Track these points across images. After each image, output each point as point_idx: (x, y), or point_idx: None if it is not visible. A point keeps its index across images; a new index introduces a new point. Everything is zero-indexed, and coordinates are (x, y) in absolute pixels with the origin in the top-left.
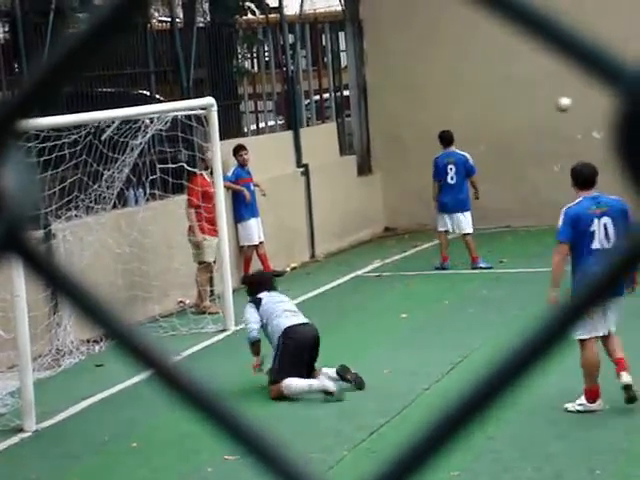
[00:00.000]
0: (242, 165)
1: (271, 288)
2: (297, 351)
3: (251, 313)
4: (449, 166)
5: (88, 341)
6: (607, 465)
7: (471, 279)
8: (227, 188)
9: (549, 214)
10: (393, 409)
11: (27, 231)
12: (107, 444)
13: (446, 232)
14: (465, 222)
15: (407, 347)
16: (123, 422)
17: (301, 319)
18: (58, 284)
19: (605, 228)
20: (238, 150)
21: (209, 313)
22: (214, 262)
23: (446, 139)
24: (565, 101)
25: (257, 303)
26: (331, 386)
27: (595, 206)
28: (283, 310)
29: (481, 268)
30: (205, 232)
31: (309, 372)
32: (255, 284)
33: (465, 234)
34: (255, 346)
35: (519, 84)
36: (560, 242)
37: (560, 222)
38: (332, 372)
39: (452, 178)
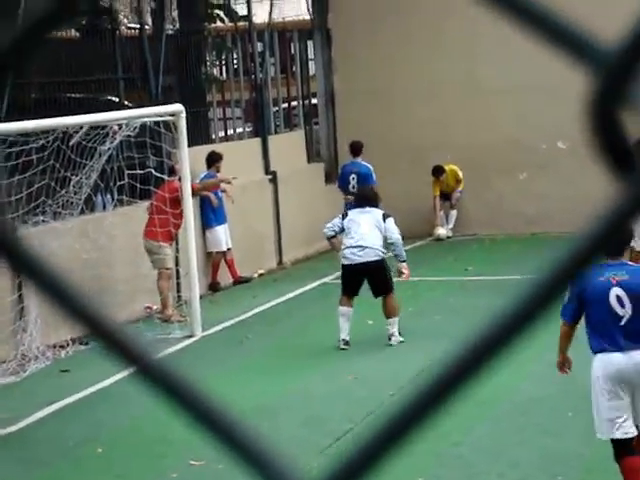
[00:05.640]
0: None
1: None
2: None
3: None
4: (352, 175)
5: (54, 346)
6: (569, 471)
7: (437, 287)
8: (194, 191)
9: (514, 223)
10: (358, 415)
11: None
12: (72, 450)
13: None
14: None
15: (373, 353)
16: (88, 427)
17: (357, 258)
18: (39, 281)
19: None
20: (219, 160)
21: (175, 321)
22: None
23: (354, 149)
24: (441, 231)
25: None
26: (341, 344)
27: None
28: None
29: None
30: (167, 238)
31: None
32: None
33: None
34: (330, 241)
35: (485, 93)
36: None
37: None
38: None
39: (353, 187)
